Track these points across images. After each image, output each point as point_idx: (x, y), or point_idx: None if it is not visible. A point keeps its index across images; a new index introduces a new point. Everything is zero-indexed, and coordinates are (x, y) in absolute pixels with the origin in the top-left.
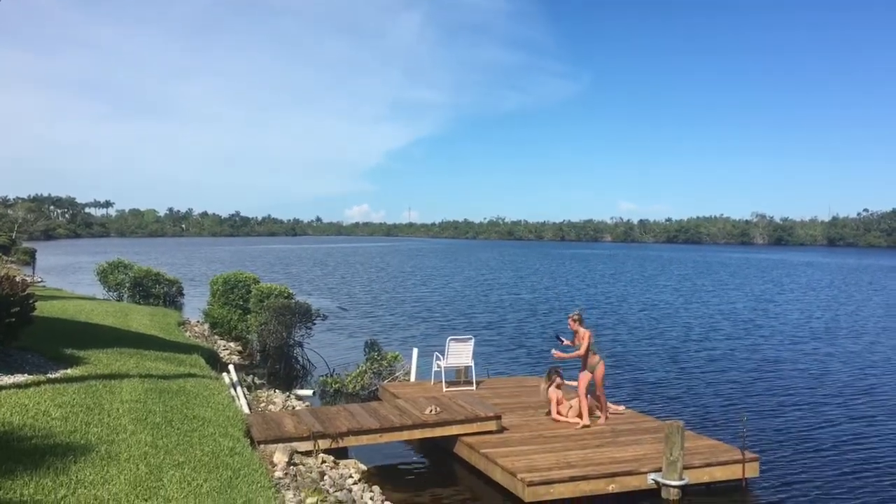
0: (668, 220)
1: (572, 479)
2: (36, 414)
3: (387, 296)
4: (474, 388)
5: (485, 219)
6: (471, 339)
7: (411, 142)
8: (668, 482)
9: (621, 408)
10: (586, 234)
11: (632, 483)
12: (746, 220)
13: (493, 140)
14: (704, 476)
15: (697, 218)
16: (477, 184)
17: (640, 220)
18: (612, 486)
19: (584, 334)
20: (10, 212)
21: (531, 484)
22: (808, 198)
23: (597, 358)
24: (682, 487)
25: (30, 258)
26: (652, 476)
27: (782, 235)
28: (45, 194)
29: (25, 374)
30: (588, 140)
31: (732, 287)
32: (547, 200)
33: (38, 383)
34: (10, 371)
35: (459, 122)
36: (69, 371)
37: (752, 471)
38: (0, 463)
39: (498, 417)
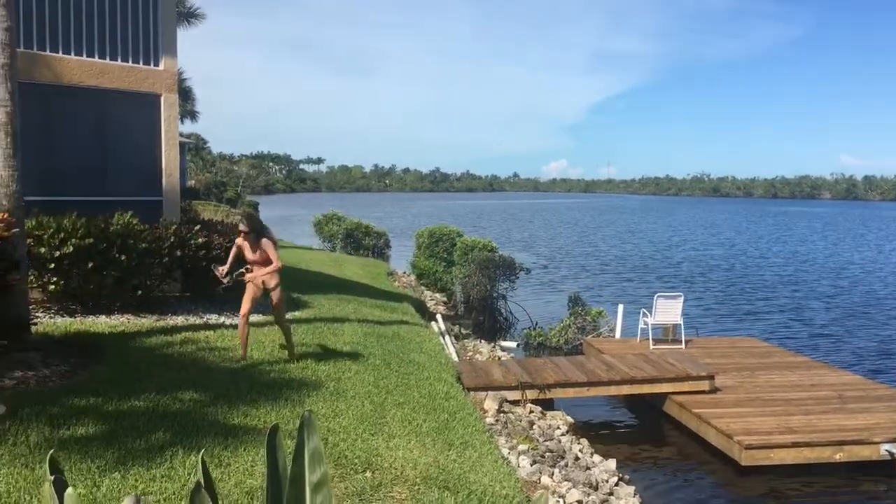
0: None
1: (795, 444)
2: (272, 350)
3: (590, 252)
4: (683, 346)
5: (688, 175)
6: (680, 296)
7: (612, 95)
8: None
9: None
10: (802, 191)
11: (862, 453)
12: None
13: (699, 91)
14: None
15: None
16: (681, 138)
17: (865, 177)
18: (839, 455)
19: (267, 244)
20: (235, 168)
21: (749, 447)
22: None
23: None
24: None
25: (254, 210)
26: (886, 447)
27: None
28: (265, 151)
29: (260, 315)
30: (805, 89)
31: None
32: (757, 155)
33: (271, 323)
34: None
35: (664, 72)
36: (297, 313)
37: None
38: (245, 392)
39: (711, 377)
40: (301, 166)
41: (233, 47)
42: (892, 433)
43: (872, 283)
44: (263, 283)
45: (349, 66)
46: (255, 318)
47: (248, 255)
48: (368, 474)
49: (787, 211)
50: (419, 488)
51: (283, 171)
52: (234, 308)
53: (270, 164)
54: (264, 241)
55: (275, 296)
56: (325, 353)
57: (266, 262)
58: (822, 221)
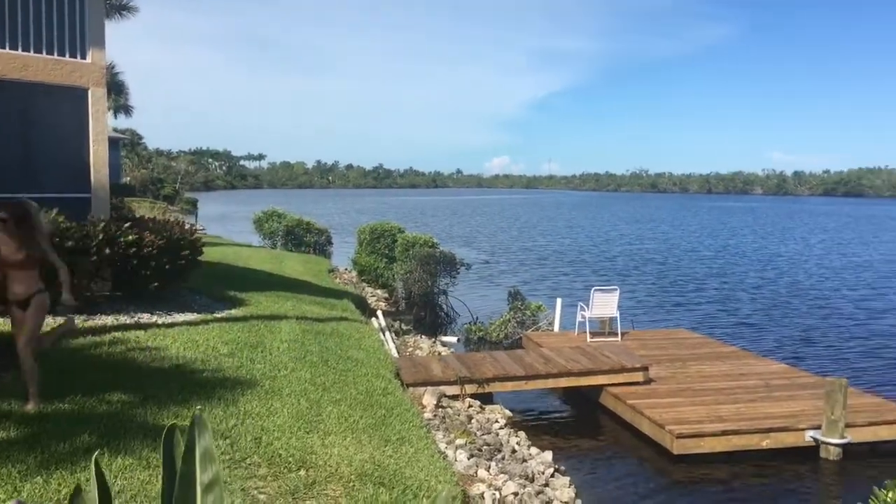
0: (826, 171)
1: (724, 433)
2: (206, 349)
3: (529, 247)
4: (619, 339)
5: (627, 171)
6: (616, 290)
7: (553, 92)
8: (828, 440)
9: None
10: (735, 186)
11: (788, 440)
12: None
13: (637, 89)
14: (868, 435)
15: (859, 169)
16: (620, 135)
17: (795, 172)
18: (766, 442)
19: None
20: (174, 164)
21: (680, 436)
22: None
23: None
24: (843, 446)
25: (192, 207)
26: (810, 433)
27: None
28: (205, 148)
29: (195, 313)
30: (739, 88)
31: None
32: (693, 152)
33: (206, 321)
34: (182, 309)
35: (603, 70)
36: (233, 311)
37: None
38: (176, 393)
39: (645, 369)
40: (242, 162)
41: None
42: (815, 420)
43: (797, 273)
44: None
45: (293, 62)
46: (189, 316)
47: (8, 253)
48: (302, 472)
49: (721, 206)
50: (354, 485)
51: (224, 168)
52: (167, 307)
53: (210, 160)
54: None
55: (30, 314)
56: (261, 352)
57: (35, 263)
58: (753, 216)
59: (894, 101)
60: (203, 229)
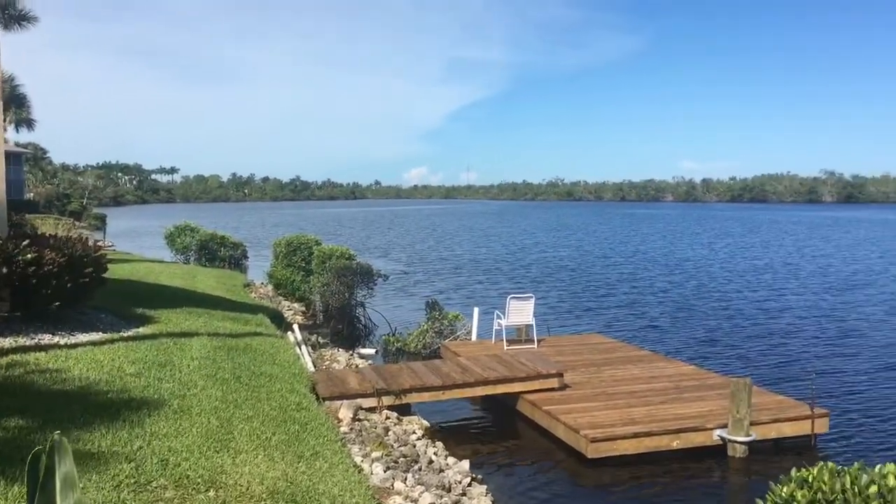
0: (733, 178)
1: (636, 435)
2: (111, 370)
3: (446, 257)
4: (536, 346)
5: (544, 180)
6: (531, 297)
7: (469, 103)
8: (734, 438)
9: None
10: (647, 193)
11: (697, 439)
12: (815, 178)
13: (551, 99)
14: (772, 432)
15: (763, 176)
16: (536, 145)
17: (703, 179)
18: (676, 443)
19: None
20: (80, 179)
21: (594, 440)
22: (880, 154)
23: None
24: (748, 444)
25: (100, 223)
26: (718, 432)
27: (852, 192)
28: (114, 161)
29: (100, 333)
30: (649, 98)
31: (791, 245)
32: (607, 161)
33: (111, 341)
34: (86, 329)
35: (517, 81)
36: (141, 329)
37: (821, 426)
38: (79, 416)
39: (560, 374)
40: (154, 176)
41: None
42: (723, 419)
43: (702, 277)
44: None
45: (204, 73)
46: (94, 336)
47: None
48: (212, 493)
49: (633, 213)
50: (266, 503)
51: (135, 182)
52: (70, 327)
53: (120, 174)
54: None
55: None
56: (170, 370)
57: None
58: (664, 222)
59: (795, 108)
60: (112, 245)
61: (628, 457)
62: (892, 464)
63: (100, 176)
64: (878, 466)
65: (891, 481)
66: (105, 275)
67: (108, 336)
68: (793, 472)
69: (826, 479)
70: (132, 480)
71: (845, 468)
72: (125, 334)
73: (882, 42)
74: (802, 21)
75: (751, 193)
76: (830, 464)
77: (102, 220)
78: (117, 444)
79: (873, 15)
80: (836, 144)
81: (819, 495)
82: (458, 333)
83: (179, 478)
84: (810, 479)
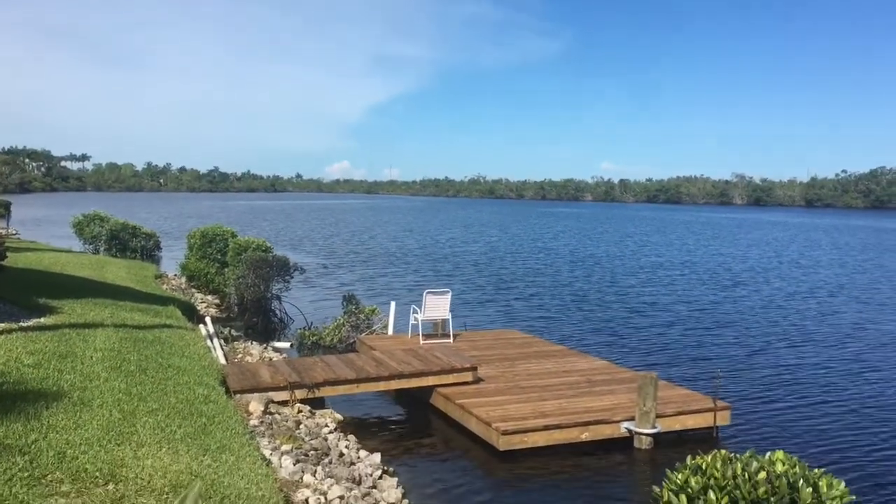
0: (649, 179)
1: (546, 427)
2: (7, 361)
3: (364, 251)
4: (451, 340)
5: (466, 177)
6: (448, 292)
7: (392, 97)
8: (640, 430)
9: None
10: (567, 193)
11: (605, 431)
12: (726, 181)
13: (474, 97)
14: (676, 424)
15: (678, 178)
16: (458, 142)
17: (621, 180)
18: (585, 435)
19: None
20: None
21: (505, 433)
22: (787, 159)
23: None
24: (654, 436)
25: (4, 210)
26: (625, 425)
27: (761, 196)
28: (20, 146)
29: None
30: (569, 99)
31: (702, 244)
32: (529, 160)
33: (9, 331)
34: None
35: (441, 77)
36: (42, 320)
37: (723, 419)
38: None
39: (474, 368)
40: (64, 163)
41: None
42: (630, 412)
43: (616, 274)
44: None
45: (119, 58)
46: None
47: None
48: (111, 486)
49: (552, 211)
50: (168, 497)
51: (43, 169)
52: None
53: (27, 160)
54: None
55: None
56: (71, 362)
57: None
58: (580, 220)
59: (708, 112)
60: (16, 234)
61: (539, 449)
62: (781, 451)
63: (5, 161)
64: (767, 454)
65: (779, 468)
66: (4, 262)
67: (5, 326)
68: (688, 459)
69: (718, 466)
70: (25, 474)
71: (737, 455)
72: (25, 324)
73: (794, 51)
74: (718, 24)
75: (666, 195)
76: (723, 451)
77: (6, 206)
78: (10, 437)
79: (793, 21)
80: (748, 150)
81: (712, 481)
82: (375, 328)
83: (77, 471)
84: (704, 467)
